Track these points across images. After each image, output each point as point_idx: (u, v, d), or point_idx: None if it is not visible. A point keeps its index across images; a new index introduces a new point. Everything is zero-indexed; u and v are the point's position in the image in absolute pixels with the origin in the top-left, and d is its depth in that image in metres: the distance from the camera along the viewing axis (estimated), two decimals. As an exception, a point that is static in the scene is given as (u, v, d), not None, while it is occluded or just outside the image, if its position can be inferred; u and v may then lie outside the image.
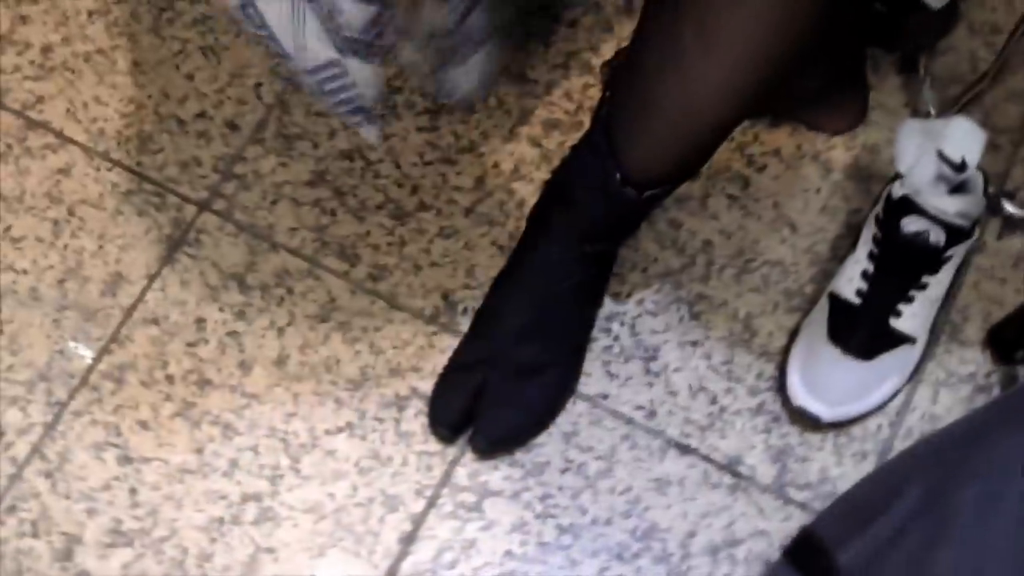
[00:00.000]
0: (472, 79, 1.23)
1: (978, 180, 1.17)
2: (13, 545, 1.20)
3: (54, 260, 1.30)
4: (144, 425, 1.24)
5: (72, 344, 1.27)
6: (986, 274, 1.26)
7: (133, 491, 1.21)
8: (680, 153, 1.07)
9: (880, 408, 1.20)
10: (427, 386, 1.23)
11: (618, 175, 1.07)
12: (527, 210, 1.22)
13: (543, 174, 1.29)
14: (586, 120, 1.32)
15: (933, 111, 1.30)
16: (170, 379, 1.25)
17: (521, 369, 1.19)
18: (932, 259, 1.17)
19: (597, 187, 1.10)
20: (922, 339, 1.20)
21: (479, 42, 1.19)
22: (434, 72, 1.21)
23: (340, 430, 1.22)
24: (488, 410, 1.19)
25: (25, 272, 1.30)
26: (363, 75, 1.07)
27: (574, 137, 1.29)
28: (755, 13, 0.96)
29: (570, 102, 1.34)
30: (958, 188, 1.15)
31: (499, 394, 1.19)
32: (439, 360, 1.24)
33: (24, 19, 1.40)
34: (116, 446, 1.23)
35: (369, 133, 1.13)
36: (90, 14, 1.40)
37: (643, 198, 1.09)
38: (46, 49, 1.39)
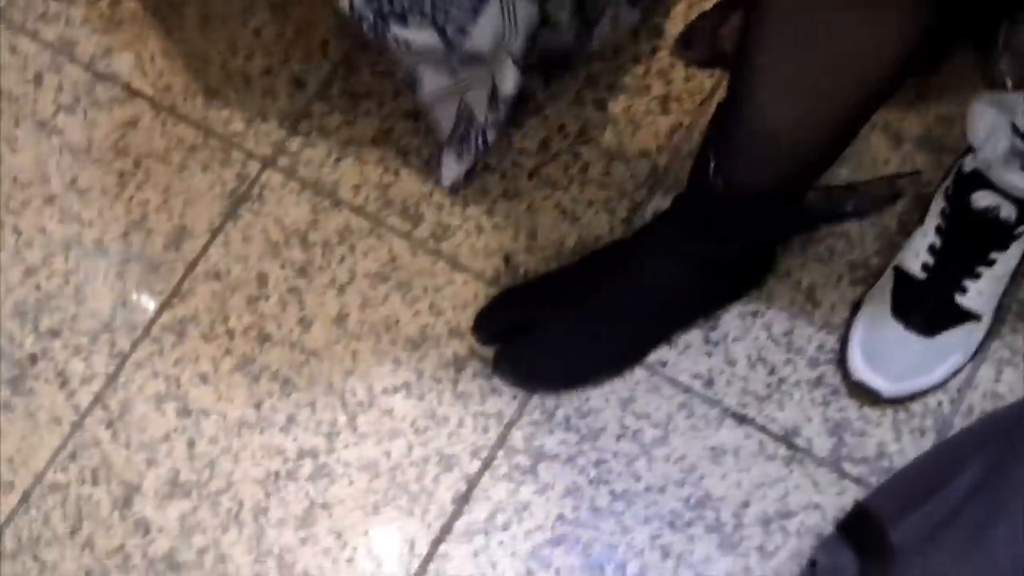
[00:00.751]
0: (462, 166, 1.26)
1: (1053, 156, 1.14)
2: (74, 492, 1.22)
3: (119, 212, 1.31)
4: (204, 378, 1.25)
5: (135, 296, 1.29)
6: (1057, 251, 1.23)
7: (191, 443, 1.23)
8: (762, 155, 1.05)
9: (942, 385, 1.18)
10: (485, 348, 1.23)
11: (712, 163, 1.06)
12: (591, 174, 1.21)
13: (609, 138, 1.28)
14: (654, 84, 1.30)
15: (1010, 84, 1.27)
16: (231, 333, 1.26)
17: (589, 341, 1.19)
18: (1002, 235, 1.15)
19: (699, 179, 1.09)
20: (987, 316, 1.18)
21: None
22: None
23: (397, 389, 1.23)
24: (533, 353, 1.19)
25: (90, 224, 1.31)
26: None
27: (640, 102, 1.29)
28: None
29: (638, 66, 1.33)
30: (1031, 163, 1.13)
31: (548, 343, 1.19)
32: (498, 322, 1.24)
33: (95, -29, 1.41)
34: (176, 398, 1.24)
35: None
36: (160, -33, 1.41)
37: (732, 195, 1.07)
38: (115, 2, 1.40)
